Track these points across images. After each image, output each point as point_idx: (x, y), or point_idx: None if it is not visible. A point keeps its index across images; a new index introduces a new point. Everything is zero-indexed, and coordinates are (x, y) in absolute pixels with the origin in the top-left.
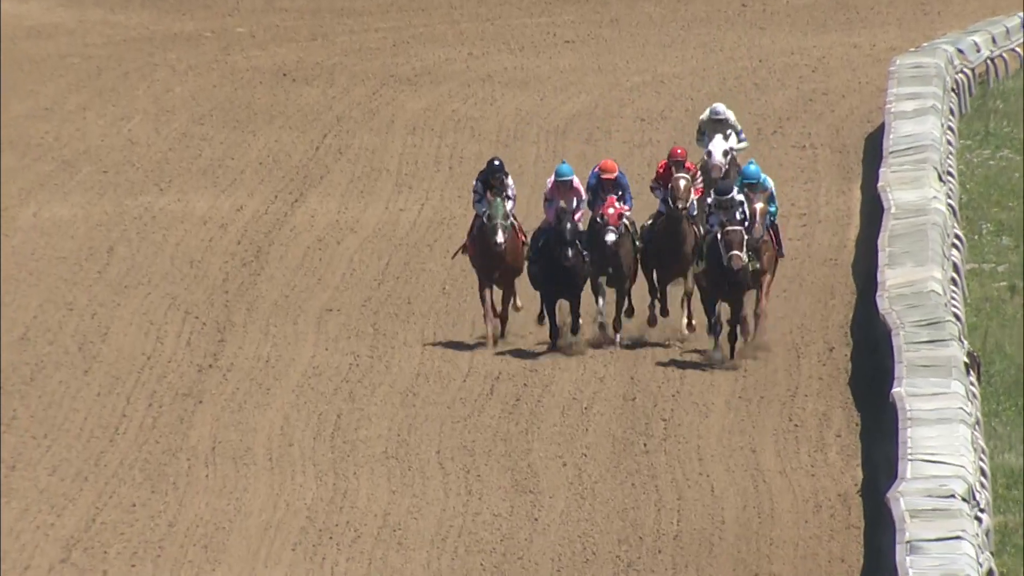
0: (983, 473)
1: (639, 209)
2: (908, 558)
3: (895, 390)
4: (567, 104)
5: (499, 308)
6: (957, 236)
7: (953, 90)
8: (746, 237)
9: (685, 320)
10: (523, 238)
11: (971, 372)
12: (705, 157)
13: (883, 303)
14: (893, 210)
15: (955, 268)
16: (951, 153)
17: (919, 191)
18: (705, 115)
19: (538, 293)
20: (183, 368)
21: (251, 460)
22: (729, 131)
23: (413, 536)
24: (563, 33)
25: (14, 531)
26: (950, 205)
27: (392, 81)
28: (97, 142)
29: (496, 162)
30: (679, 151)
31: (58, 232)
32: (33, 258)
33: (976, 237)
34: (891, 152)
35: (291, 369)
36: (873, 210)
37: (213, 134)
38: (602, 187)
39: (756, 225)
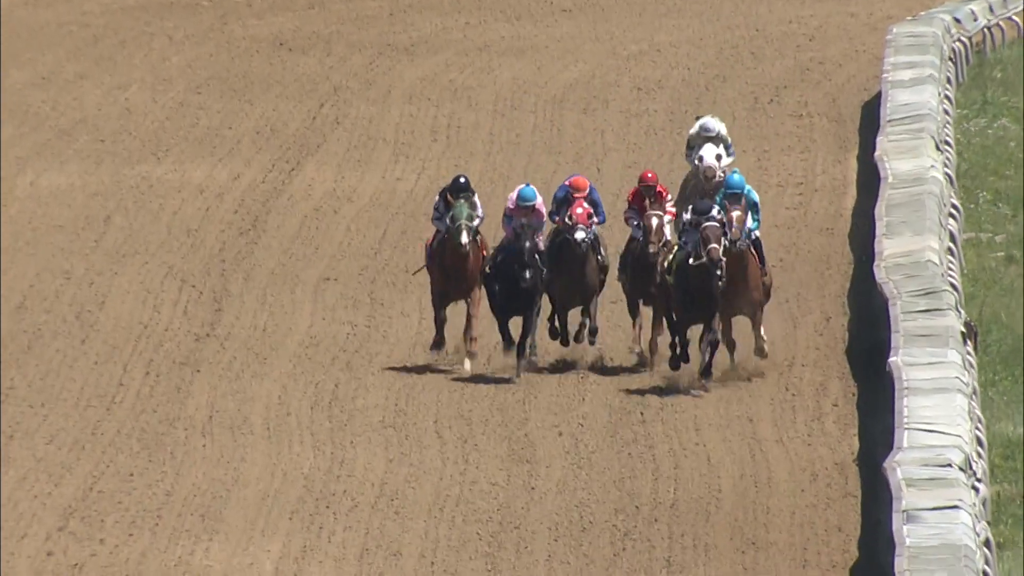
0: (980, 443)
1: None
2: (905, 527)
3: (892, 360)
4: (564, 73)
5: (469, 320)
6: (954, 206)
7: (950, 59)
8: (724, 234)
9: (647, 346)
10: (484, 252)
11: (968, 342)
12: (696, 163)
13: (880, 273)
14: (890, 179)
15: (952, 238)
16: (948, 122)
17: (916, 160)
18: (695, 130)
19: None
20: (180, 337)
21: (248, 429)
22: (720, 145)
23: (410, 505)
24: (560, 2)
25: (12, 500)
26: (947, 174)
27: (389, 50)
28: (94, 111)
29: (462, 179)
30: (650, 175)
31: (55, 201)
32: (30, 227)
33: (973, 206)
34: (888, 121)
35: (288, 338)
36: (870, 179)
37: (210, 103)
38: (569, 202)
39: (733, 229)
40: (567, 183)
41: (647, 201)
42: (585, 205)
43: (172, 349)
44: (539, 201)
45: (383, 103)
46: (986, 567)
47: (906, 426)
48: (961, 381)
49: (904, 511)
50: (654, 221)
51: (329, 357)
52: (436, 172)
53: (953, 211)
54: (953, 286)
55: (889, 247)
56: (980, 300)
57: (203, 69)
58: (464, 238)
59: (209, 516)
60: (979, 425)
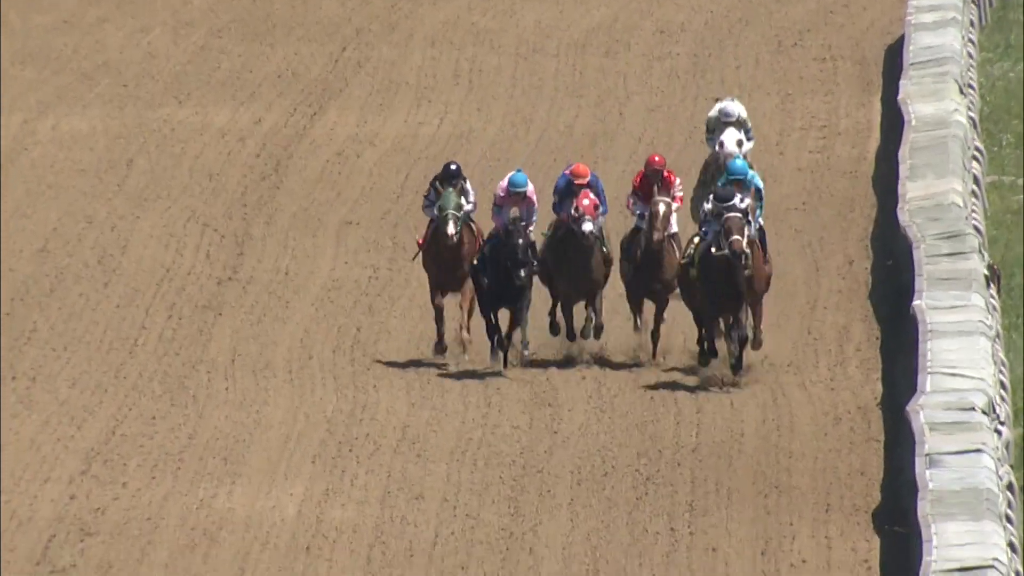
0: (1003, 386)
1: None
2: (928, 471)
3: (915, 303)
4: (587, 17)
5: (452, 327)
6: (978, 149)
7: (973, 2)
8: (747, 226)
9: (651, 347)
10: (480, 243)
11: (991, 285)
12: (717, 148)
13: (903, 216)
14: (913, 122)
15: (975, 181)
16: (972, 65)
17: (940, 103)
18: (714, 113)
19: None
20: (202, 281)
21: (271, 373)
22: (740, 130)
23: (432, 449)
24: None
25: (35, 443)
26: (971, 117)
27: None
28: (116, 55)
29: (452, 166)
30: (657, 159)
31: (77, 145)
32: (52, 171)
33: (996, 149)
34: (911, 64)
35: (310, 282)
36: (893, 123)
37: (232, 47)
38: (572, 192)
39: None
40: (567, 172)
41: (655, 187)
42: (591, 196)
43: (194, 293)
44: (531, 188)
45: (405, 46)
46: (1009, 510)
47: (929, 370)
48: (984, 324)
49: (927, 455)
50: (661, 208)
51: (351, 301)
52: (458, 116)
53: (976, 154)
54: (976, 229)
55: (912, 190)
56: (1003, 243)
57: (225, 12)
58: (451, 228)
59: (231, 459)
60: (1002, 368)
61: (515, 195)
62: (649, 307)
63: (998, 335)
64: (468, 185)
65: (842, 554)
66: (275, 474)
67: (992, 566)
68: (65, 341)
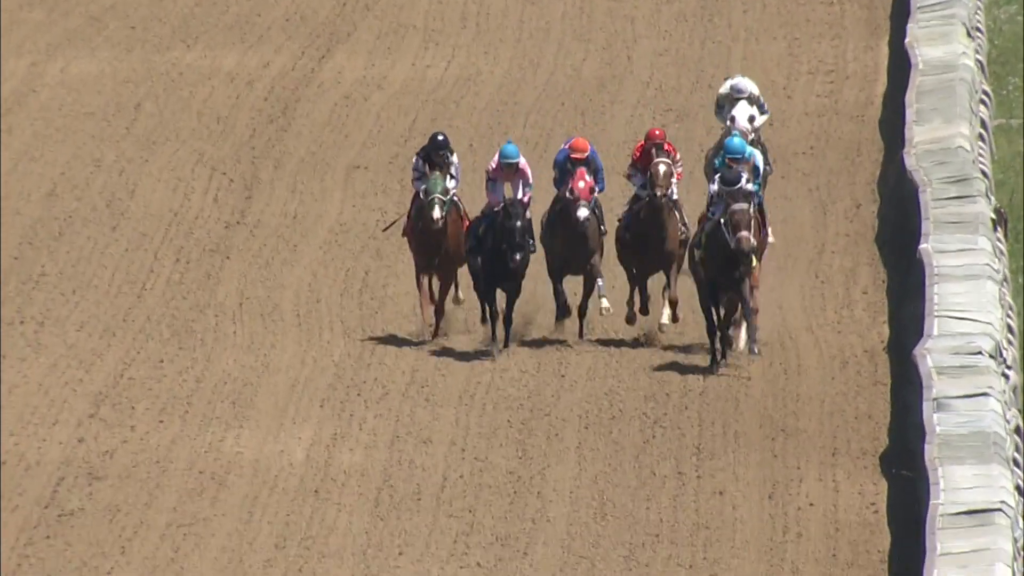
0: (1010, 330)
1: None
2: (935, 415)
3: (922, 246)
4: None
5: (436, 299)
6: (985, 92)
7: None
8: (753, 219)
9: (668, 313)
10: (467, 221)
11: (998, 228)
12: (728, 123)
13: (910, 160)
14: (921, 66)
15: (983, 124)
16: (979, 8)
17: (947, 47)
18: (725, 89)
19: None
20: (210, 224)
21: (279, 317)
22: (753, 106)
23: (441, 393)
24: None
25: (43, 386)
26: (978, 61)
27: None
28: None
29: (440, 137)
30: (658, 132)
31: (85, 88)
32: (61, 114)
33: (1004, 93)
34: (919, 7)
35: (318, 226)
36: (900, 66)
37: None
38: (572, 166)
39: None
40: (566, 146)
41: (654, 155)
42: (587, 178)
43: (202, 236)
44: (522, 160)
45: None
46: (1016, 454)
47: (936, 313)
48: (991, 268)
49: (934, 398)
50: (662, 167)
51: (359, 244)
52: (466, 59)
53: (984, 97)
54: (983, 173)
55: (919, 134)
56: (1010, 187)
57: None
58: (437, 213)
59: (240, 403)
60: (1009, 312)
61: (507, 167)
62: (657, 288)
63: (1005, 279)
64: (454, 158)
65: (849, 497)
66: (283, 418)
67: (999, 509)
68: (73, 285)
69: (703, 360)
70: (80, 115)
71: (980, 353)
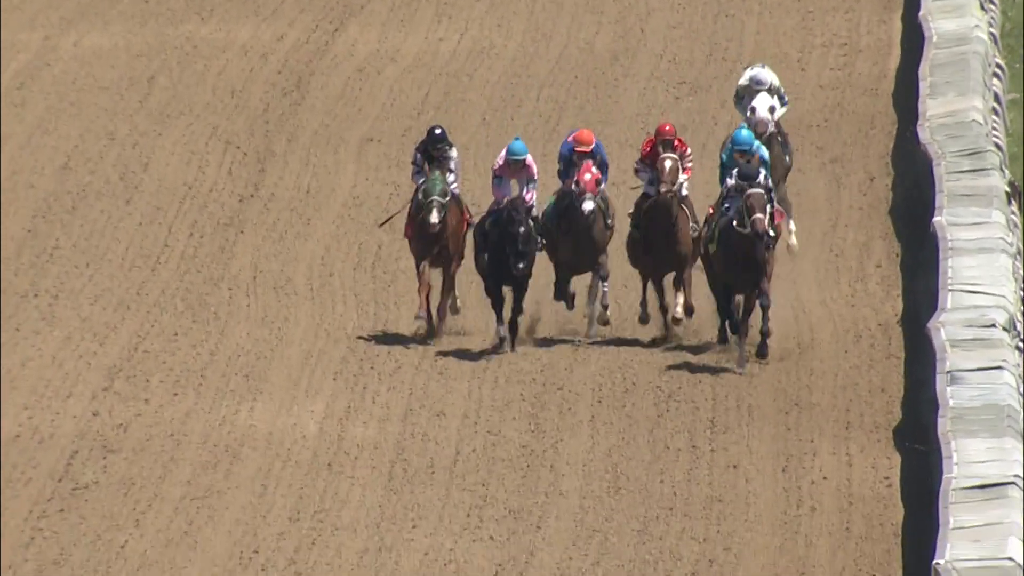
0: None
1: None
2: (948, 388)
3: (936, 220)
4: None
5: (437, 300)
6: (998, 65)
7: None
8: (769, 204)
9: (681, 306)
10: (468, 217)
11: (1012, 201)
12: (748, 115)
13: (924, 133)
14: (934, 39)
15: (996, 98)
16: None
17: (961, 20)
18: (744, 81)
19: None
20: (224, 198)
21: (292, 290)
22: (773, 96)
23: (454, 366)
24: None
25: (57, 359)
26: (992, 34)
27: None
28: None
29: (437, 131)
30: (667, 127)
31: (99, 61)
32: (74, 88)
33: (1018, 66)
34: None
35: (332, 199)
36: (914, 39)
37: None
38: (578, 159)
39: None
40: (570, 138)
41: (660, 151)
42: (593, 170)
43: (216, 210)
44: (530, 157)
45: None
46: None
47: (950, 287)
48: (1005, 241)
49: (948, 372)
50: (668, 163)
51: (372, 218)
52: (479, 32)
53: (997, 71)
54: (997, 146)
55: (933, 107)
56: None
57: None
58: (435, 217)
59: (253, 376)
60: (1023, 285)
61: (514, 164)
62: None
63: (1019, 252)
64: (453, 152)
65: (862, 471)
66: (296, 391)
67: (1013, 483)
68: (87, 258)
69: (716, 333)
70: (94, 89)
71: (994, 326)
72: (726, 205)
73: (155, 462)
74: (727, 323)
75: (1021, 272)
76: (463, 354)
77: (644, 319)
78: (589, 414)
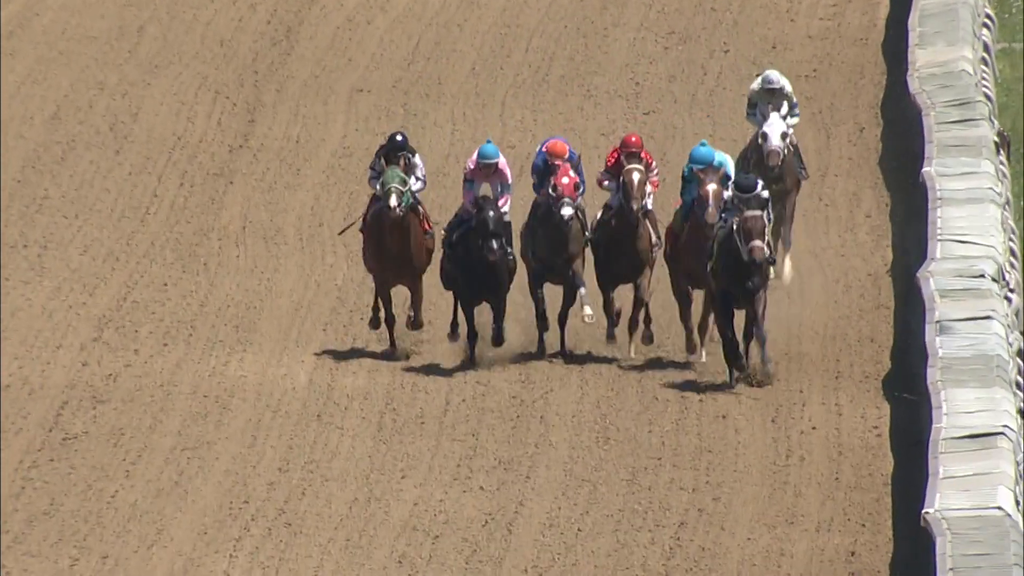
0: (1013, 253)
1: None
2: (938, 338)
3: (925, 170)
4: None
5: (410, 313)
6: (988, 15)
7: None
8: (768, 226)
9: (639, 335)
10: (428, 227)
11: (1001, 152)
12: (760, 141)
13: (913, 83)
14: None
15: (986, 48)
16: None
17: None
18: (756, 84)
19: (453, 300)
20: (214, 148)
21: (282, 240)
22: (783, 103)
23: (444, 316)
24: None
25: (47, 310)
26: None
27: None
28: None
29: (399, 137)
30: (633, 139)
31: (88, 11)
32: (63, 37)
33: (1007, 16)
34: None
35: (321, 149)
36: None
37: None
38: (551, 171)
39: (710, 210)
40: (544, 148)
41: (625, 163)
42: (571, 174)
43: (206, 160)
44: (502, 160)
45: None
46: (1019, 377)
47: (939, 237)
48: (994, 191)
49: (937, 322)
50: (635, 175)
51: (362, 168)
52: None
53: (987, 21)
54: (987, 96)
55: (922, 57)
56: (1013, 110)
57: None
58: (393, 200)
59: (243, 327)
60: (1012, 236)
61: (485, 167)
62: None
63: (1008, 202)
64: (417, 159)
65: (852, 421)
66: (286, 342)
67: (1002, 433)
68: (76, 209)
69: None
70: (83, 38)
71: (983, 276)
72: (723, 217)
73: (145, 412)
74: (725, 350)
75: (1010, 222)
76: (453, 304)
77: (611, 336)
78: (578, 365)
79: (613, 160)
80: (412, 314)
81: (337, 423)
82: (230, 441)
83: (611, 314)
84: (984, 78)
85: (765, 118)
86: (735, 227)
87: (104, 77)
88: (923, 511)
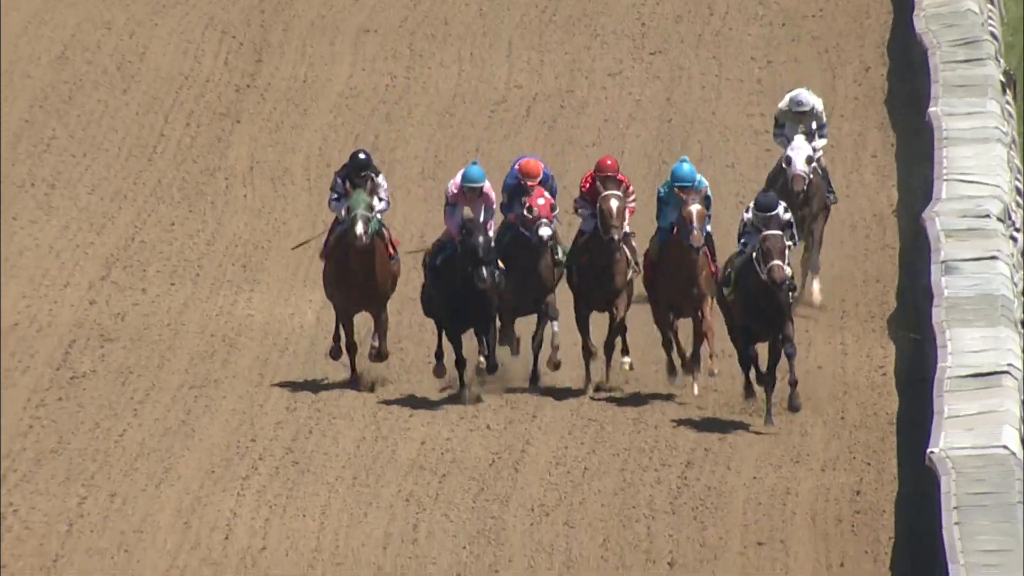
0: (1019, 192)
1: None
2: (943, 278)
3: (931, 110)
4: None
5: (375, 344)
6: None
7: None
8: (788, 247)
9: (626, 359)
10: (393, 252)
11: (1007, 91)
12: (784, 165)
13: (919, 23)
14: None
15: None
16: None
17: None
18: (784, 104)
19: (436, 328)
20: (221, 88)
21: (289, 180)
22: (812, 123)
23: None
24: None
25: (54, 249)
26: None
27: None
28: None
29: (361, 156)
30: (609, 162)
31: None
32: None
33: None
34: None
35: (328, 90)
36: None
37: None
38: (524, 191)
39: (694, 232)
40: (516, 167)
41: (601, 189)
42: (546, 195)
43: (213, 100)
44: (487, 184)
45: None
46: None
47: (945, 177)
48: (1000, 131)
49: (942, 262)
50: (614, 203)
51: (369, 108)
52: None
53: None
54: (993, 35)
55: None
56: (1019, 49)
57: None
58: (360, 228)
59: (250, 266)
60: (1018, 175)
61: (470, 192)
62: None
63: (1014, 141)
64: (381, 178)
65: (857, 360)
66: (294, 281)
67: (1007, 371)
68: (84, 148)
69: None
70: None
71: (988, 216)
72: (743, 242)
73: (152, 351)
74: (748, 375)
75: (1016, 162)
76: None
77: (590, 352)
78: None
79: (588, 185)
80: (376, 345)
81: (344, 361)
82: (237, 380)
83: (588, 347)
84: (990, 17)
85: (790, 140)
86: (755, 250)
87: (111, 16)
88: (928, 450)
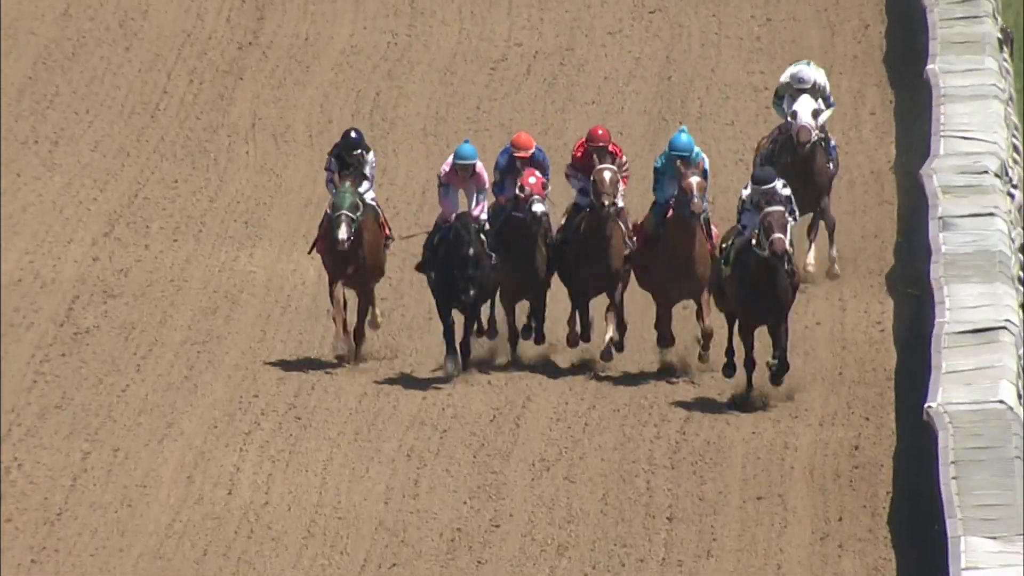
0: (1016, 149)
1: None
2: (941, 234)
3: (929, 67)
4: None
5: (353, 320)
6: None
7: None
8: (790, 222)
9: (610, 333)
10: (387, 232)
11: (1004, 48)
12: (790, 119)
13: None
14: None
15: None
16: None
17: None
18: (785, 78)
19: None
20: (223, 45)
21: (291, 137)
22: (818, 99)
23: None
24: None
25: (57, 205)
26: None
27: None
28: None
29: (353, 134)
30: (600, 132)
31: None
32: None
33: None
34: None
35: (330, 47)
36: None
37: None
38: (515, 170)
39: (694, 200)
40: (508, 145)
41: (596, 161)
42: (537, 174)
43: (215, 57)
44: (480, 164)
45: None
46: (1021, 272)
47: (942, 133)
48: (998, 88)
49: (940, 218)
50: (607, 175)
51: (370, 65)
52: None
53: None
54: None
55: None
56: (1017, 7)
57: None
58: (343, 233)
59: (253, 223)
60: (1015, 132)
61: (462, 170)
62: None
63: (1011, 98)
64: (370, 156)
65: (856, 316)
66: (296, 238)
67: (1004, 327)
68: (87, 105)
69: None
70: None
71: (986, 172)
72: (742, 222)
73: (155, 307)
74: (730, 357)
75: (1013, 119)
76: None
77: (573, 340)
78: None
79: (581, 154)
80: (369, 318)
81: (346, 317)
82: (240, 336)
83: (582, 326)
84: None
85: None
86: (756, 228)
87: None
88: (926, 405)
